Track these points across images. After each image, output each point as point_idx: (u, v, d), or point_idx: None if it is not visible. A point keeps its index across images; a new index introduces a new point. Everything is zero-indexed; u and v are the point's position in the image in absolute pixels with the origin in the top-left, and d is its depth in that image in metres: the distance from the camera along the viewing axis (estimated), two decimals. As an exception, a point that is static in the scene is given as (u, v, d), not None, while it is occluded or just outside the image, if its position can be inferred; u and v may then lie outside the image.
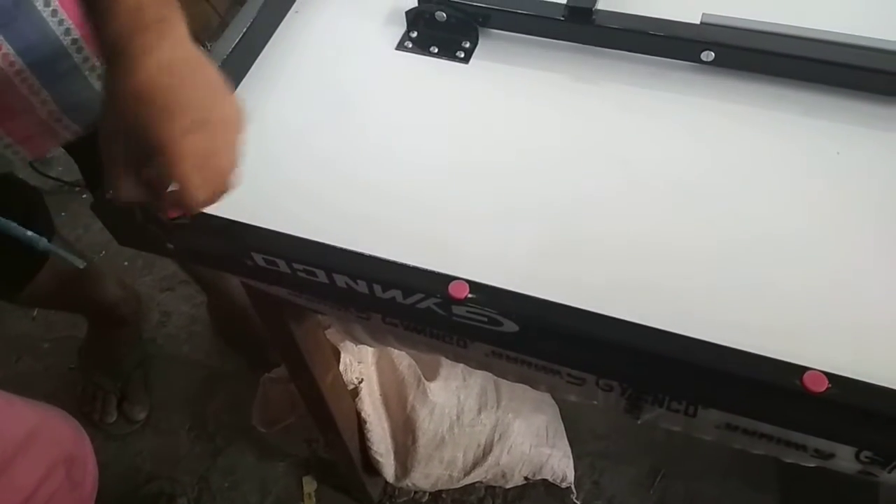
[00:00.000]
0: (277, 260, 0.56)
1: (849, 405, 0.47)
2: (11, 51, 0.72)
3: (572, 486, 1.21)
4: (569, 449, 1.21)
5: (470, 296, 0.52)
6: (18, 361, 1.49)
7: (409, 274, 0.53)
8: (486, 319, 0.53)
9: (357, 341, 0.73)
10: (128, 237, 0.63)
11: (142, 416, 1.40)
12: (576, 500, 1.21)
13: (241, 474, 1.34)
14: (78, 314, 1.40)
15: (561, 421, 1.24)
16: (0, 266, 1.00)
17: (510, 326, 0.52)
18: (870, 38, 0.63)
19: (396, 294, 0.54)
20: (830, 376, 0.47)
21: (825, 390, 0.47)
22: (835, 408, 0.48)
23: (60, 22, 0.75)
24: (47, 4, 0.73)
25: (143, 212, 0.58)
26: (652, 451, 1.28)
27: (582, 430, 1.26)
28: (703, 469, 1.25)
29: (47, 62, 0.76)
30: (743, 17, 0.65)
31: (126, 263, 1.61)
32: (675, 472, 1.26)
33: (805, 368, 0.48)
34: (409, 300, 0.54)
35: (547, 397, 1.24)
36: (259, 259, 0.57)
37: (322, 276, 0.56)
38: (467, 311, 0.53)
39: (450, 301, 0.52)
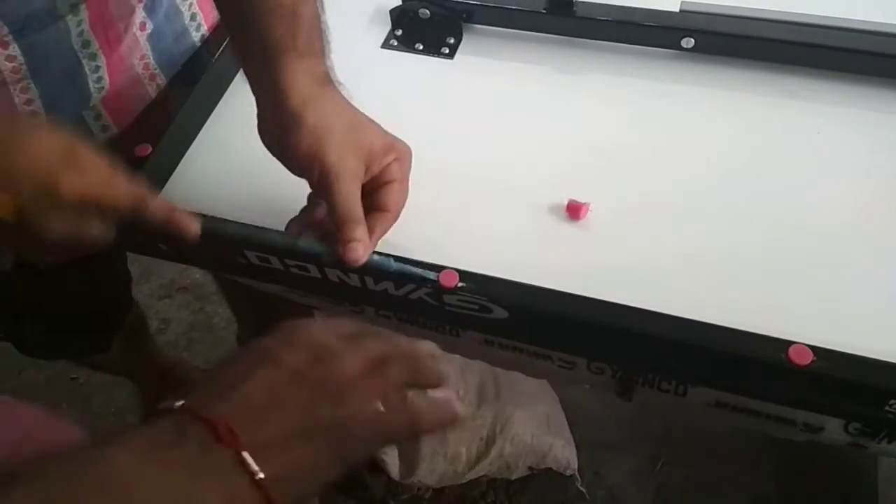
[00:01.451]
0: (270, 257, 0.57)
1: (834, 377, 0.48)
2: (163, 78, 0.73)
3: (576, 474, 1.21)
4: (570, 437, 1.22)
5: (460, 284, 0.53)
6: (21, 374, 1.49)
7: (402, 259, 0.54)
8: (476, 307, 0.54)
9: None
10: (122, 239, 0.63)
11: None
12: (580, 487, 1.21)
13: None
14: (131, 381, 1.34)
15: (561, 409, 1.24)
16: (91, 318, 0.98)
17: (500, 313, 0.53)
18: (846, 19, 0.64)
19: (388, 286, 0.55)
20: (815, 349, 0.48)
21: (810, 363, 0.48)
22: (821, 381, 0.49)
23: (198, 27, 0.75)
24: (189, 8, 0.74)
25: None
26: (651, 439, 1.28)
27: (581, 422, 1.27)
28: (701, 456, 1.26)
29: (177, 63, 0.76)
30: (721, 3, 0.67)
31: (123, 273, 1.62)
32: (674, 460, 1.26)
33: (790, 343, 0.49)
34: (401, 291, 0.55)
35: (546, 387, 1.25)
36: (252, 257, 0.57)
37: (314, 271, 0.57)
38: (458, 300, 0.54)
39: (441, 290, 0.53)
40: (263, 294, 0.70)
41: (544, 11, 0.70)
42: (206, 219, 0.57)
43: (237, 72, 0.72)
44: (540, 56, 0.71)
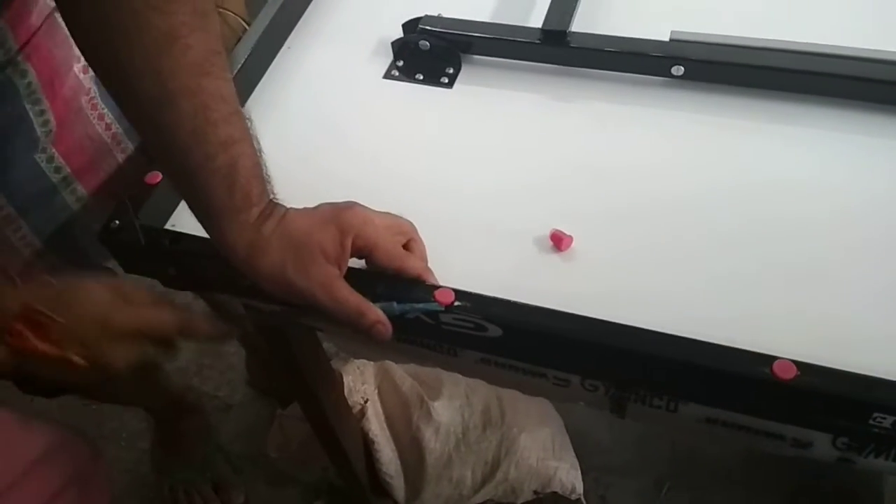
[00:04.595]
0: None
1: (819, 392, 0.50)
2: (111, 116, 0.76)
3: (582, 498, 1.22)
4: (576, 461, 1.22)
5: (456, 303, 0.55)
6: (34, 400, 1.51)
7: (399, 285, 0.56)
8: (471, 325, 0.56)
9: (356, 356, 0.76)
10: (133, 264, 0.66)
11: (241, 499, 1.36)
12: (586, 512, 1.22)
13: (253, 502, 1.35)
14: (142, 409, 1.37)
15: (566, 433, 1.25)
16: None
17: (494, 331, 0.55)
18: (832, 45, 0.67)
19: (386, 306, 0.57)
20: (799, 364, 0.50)
21: (794, 377, 0.49)
22: (806, 395, 0.50)
23: None
24: None
25: (147, 237, 0.61)
26: (656, 463, 1.29)
27: (586, 445, 1.27)
28: (707, 479, 1.26)
29: None
30: (709, 32, 0.69)
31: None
32: (680, 484, 1.27)
33: (774, 357, 0.50)
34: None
35: (551, 410, 1.26)
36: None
37: (316, 292, 0.59)
38: (454, 319, 0.56)
39: (437, 309, 0.55)
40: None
41: (539, 42, 0.73)
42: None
43: (245, 97, 0.75)
44: (535, 85, 0.73)
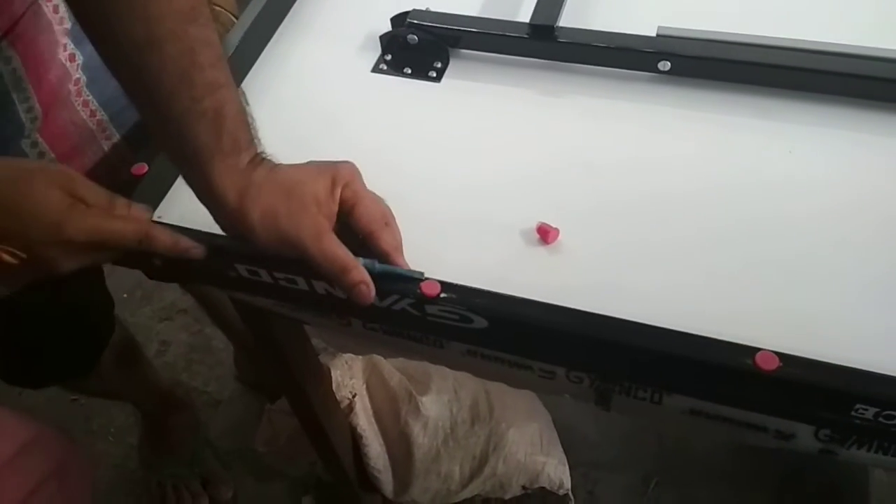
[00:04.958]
0: (259, 270, 0.59)
1: (801, 383, 0.50)
2: (96, 104, 0.76)
3: (570, 493, 1.22)
4: (564, 456, 1.23)
5: (442, 295, 0.55)
6: (21, 394, 1.51)
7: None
8: (457, 317, 0.56)
9: (343, 350, 0.76)
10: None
11: (229, 494, 1.36)
12: (575, 507, 1.22)
13: (241, 497, 1.35)
14: (131, 404, 1.36)
15: (554, 429, 1.25)
16: (69, 344, 0.99)
17: (480, 323, 0.55)
18: (816, 41, 0.67)
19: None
20: (781, 355, 0.50)
21: (776, 369, 0.50)
22: (788, 386, 0.50)
23: None
24: None
25: None
26: (645, 458, 1.29)
27: (574, 441, 1.28)
28: (695, 475, 1.27)
29: (125, 109, 0.79)
30: (696, 28, 0.69)
31: (125, 295, 1.64)
32: (669, 480, 1.27)
33: (757, 349, 0.50)
34: (386, 302, 0.57)
35: (539, 405, 1.26)
36: (242, 270, 0.60)
37: (302, 284, 0.59)
38: (440, 310, 0.56)
39: (423, 300, 0.55)
40: (254, 312, 0.73)
41: (527, 37, 0.73)
42: (199, 234, 0.60)
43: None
44: (522, 79, 0.73)
